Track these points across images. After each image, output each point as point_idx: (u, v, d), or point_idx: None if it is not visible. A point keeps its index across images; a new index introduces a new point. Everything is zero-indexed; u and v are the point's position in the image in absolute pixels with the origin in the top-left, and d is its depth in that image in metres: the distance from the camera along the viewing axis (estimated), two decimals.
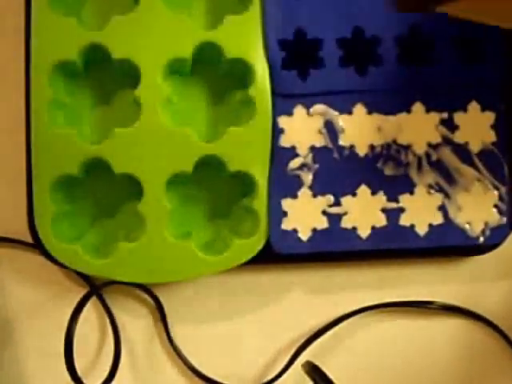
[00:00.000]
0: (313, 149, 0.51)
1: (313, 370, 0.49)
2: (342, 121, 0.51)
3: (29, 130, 0.50)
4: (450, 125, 0.51)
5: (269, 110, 0.51)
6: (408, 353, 0.53)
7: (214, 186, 0.53)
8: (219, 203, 0.53)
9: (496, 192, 0.51)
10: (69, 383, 0.50)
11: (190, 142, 0.50)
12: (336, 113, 0.51)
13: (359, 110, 0.51)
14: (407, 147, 0.51)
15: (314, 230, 0.51)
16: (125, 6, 0.51)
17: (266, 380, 0.52)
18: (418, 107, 0.51)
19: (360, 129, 0.51)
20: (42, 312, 0.53)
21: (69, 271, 0.52)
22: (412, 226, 0.51)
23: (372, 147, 0.51)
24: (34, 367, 0.53)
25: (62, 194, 0.51)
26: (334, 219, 0.51)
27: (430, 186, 0.51)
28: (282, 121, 0.51)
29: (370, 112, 0.51)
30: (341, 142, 0.51)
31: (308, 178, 0.51)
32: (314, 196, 0.51)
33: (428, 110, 0.51)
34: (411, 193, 0.51)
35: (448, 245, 0.51)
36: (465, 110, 0.51)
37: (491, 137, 0.51)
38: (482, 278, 0.54)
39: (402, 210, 0.51)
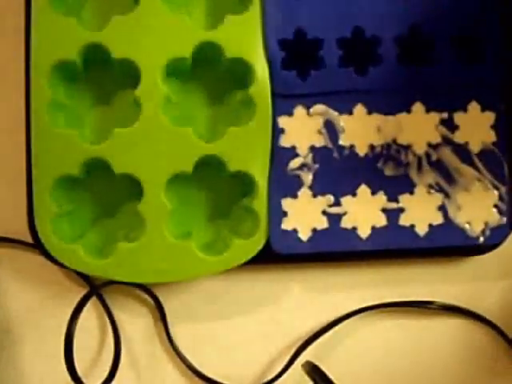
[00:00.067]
0: (313, 149, 0.51)
1: (313, 370, 0.49)
2: (342, 121, 0.51)
3: (29, 130, 0.50)
4: (450, 125, 0.51)
5: (269, 110, 0.51)
6: (408, 353, 0.53)
7: (214, 186, 0.53)
8: (219, 203, 0.53)
9: (496, 192, 0.51)
10: (69, 383, 0.50)
11: (190, 142, 0.50)
12: (336, 113, 0.51)
13: (359, 110, 0.51)
14: (407, 147, 0.51)
15: (314, 230, 0.51)
16: (125, 6, 0.51)
17: (266, 380, 0.52)
18: (417, 107, 0.51)
19: (360, 129, 0.51)
20: (42, 312, 0.53)
21: (69, 271, 0.52)
22: (412, 226, 0.51)
23: (372, 147, 0.51)
24: (33, 367, 0.53)
25: (62, 194, 0.51)
26: (334, 219, 0.51)
27: (430, 186, 0.51)
28: (282, 121, 0.51)
29: (369, 112, 0.51)
30: (341, 142, 0.51)
31: (308, 178, 0.51)
32: (314, 196, 0.51)
33: (428, 110, 0.51)
34: (411, 193, 0.51)
35: (448, 245, 0.51)
36: (465, 110, 0.51)
37: (491, 137, 0.51)
38: (482, 278, 0.54)
39: (401, 210, 0.51)
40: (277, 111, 0.51)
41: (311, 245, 0.51)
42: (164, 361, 0.53)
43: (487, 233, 0.51)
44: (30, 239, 0.51)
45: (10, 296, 0.53)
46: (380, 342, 0.53)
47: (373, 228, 0.51)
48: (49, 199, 0.50)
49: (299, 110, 0.51)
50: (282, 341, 0.53)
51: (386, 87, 0.51)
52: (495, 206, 0.51)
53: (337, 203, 0.51)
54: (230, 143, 0.50)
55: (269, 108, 0.51)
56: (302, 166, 0.51)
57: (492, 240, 0.51)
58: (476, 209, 0.51)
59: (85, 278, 0.52)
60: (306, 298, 0.53)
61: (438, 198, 0.51)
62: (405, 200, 0.51)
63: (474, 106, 0.51)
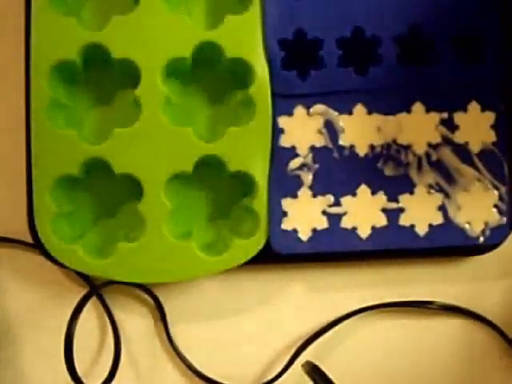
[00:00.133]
0: (313, 149, 0.51)
1: (313, 370, 0.49)
2: (342, 121, 0.51)
3: (29, 130, 0.50)
4: (450, 125, 0.51)
5: (269, 110, 0.51)
6: (408, 353, 0.53)
7: (214, 186, 0.53)
8: (219, 203, 0.53)
9: (496, 192, 0.51)
10: (69, 383, 0.50)
11: (190, 141, 0.50)
12: (336, 113, 0.51)
13: (359, 110, 0.51)
14: (407, 147, 0.51)
15: (314, 230, 0.51)
16: (125, 6, 0.51)
17: (266, 380, 0.52)
18: (417, 107, 0.51)
19: (360, 129, 0.51)
20: (42, 312, 0.53)
21: (69, 271, 0.52)
22: (412, 226, 0.51)
23: (372, 147, 0.51)
24: (33, 367, 0.53)
25: (62, 194, 0.51)
26: (334, 219, 0.51)
27: (430, 186, 0.51)
28: (282, 121, 0.51)
29: (369, 112, 0.51)
30: (341, 142, 0.51)
31: (308, 178, 0.51)
32: (314, 196, 0.51)
33: (428, 110, 0.51)
34: (411, 193, 0.51)
35: (448, 245, 0.51)
36: (465, 110, 0.51)
37: (491, 137, 0.51)
38: (482, 278, 0.54)
39: (401, 210, 0.51)
40: (277, 111, 0.51)
41: (311, 245, 0.51)
42: (164, 361, 0.53)
43: (487, 233, 0.51)
44: (30, 239, 0.51)
45: (10, 296, 0.53)
46: (380, 341, 0.53)
47: (373, 228, 0.51)
48: (49, 199, 0.50)
49: (299, 110, 0.51)
50: (281, 341, 0.53)
51: (386, 87, 0.51)
52: (495, 205, 0.51)
53: (337, 203, 0.51)
54: (229, 143, 0.50)
55: (269, 108, 0.51)
56: (302, 166, 0.51)
57: (492, 240, 0.51)
58: (476, 209, 0.51)
59: (85, 278, 0.52)
60: (306, 298, 0.53)
61: (438, 198, 0.51)
62: (405, 200, 0.51)
63: (473, 106, 0.51)
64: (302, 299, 0.53)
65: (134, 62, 0.50)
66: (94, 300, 0.53)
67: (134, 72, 0.50)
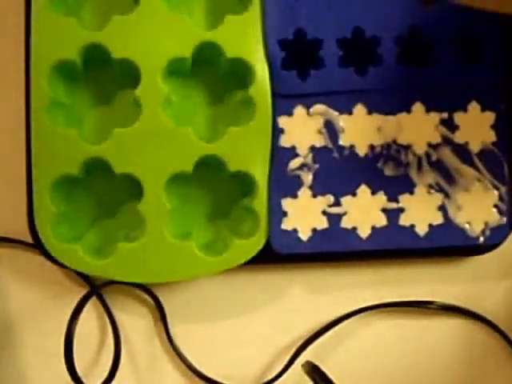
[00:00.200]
0: (313, 149, 0.51)
1: (313, 370, 0.49)
2: (342, 121, 0.51)
3: (29, 130, 0.50)
4: (450, 125, 0.51)
5: (269, 110, 0.51)
6: (408, 353, 0.53)
7: (214, 186, 0.53)
8: (219, 203, 0.53)
9: (496, 192, 0.51)
10: (69, 383, 0.50)
11: (190, 142, 0.50)
12: (336, 113, 0.51)
13: (359, 110, 0.51)
14: (407, 147, 0.51)
15: (314, 230, 0.51)
16: (125, 6, 0.51)
17: (266, 380, 0.52)
18: (417, 107, 0.51)
19: (360, 129, 0.51)
20: (42, 312, 0.53)
21: (69, 271, 0.52)
22: (412, 226, 0.51)
23: (372, 147, 0.51)
24: (34, 367, 0.53)
25: (62, 194, 0.51)
26: (334, 219, 0.51)
27: (430, 186, 0.51)
28: (282, 121, 0.51)
29: (370, 112, 0.51)
30: (341, 142, 0.51)
31: (308, 178, 0.51)
32: (314, 196, 0.51)
33: (428, 110, 0.51)
34: (411, 193, 0.51)
35: (448, 245, 0.51)
36: (465, 110, 0.51)
37: (491, 137, 0.51)
38: (482, 278, 0.54)
39: (401, 210, 0.51)
40: (277, 111, 0.51)
41: (311, 245, 0.51)
42: (164, 361, 0.53)
43: (487, 233, 0.51)
44: (30, 239, 0.51)
45: (10, 296, 0.53)
46: (380, 341, 0.53)
47: (373, 228, 0.51)
48: (49, 199, 0.50)
49: (299, 110, 0.51)
50: (281, 341, 0.53)
51: (386, 87, 0.51)
52: (495, 205, 0.51)
53: (337, 203, 0.51)
54: (230, 143, 0.50)
55: (269, 108, 0.51)
56: (302, 166, 0.51)
57: (492, 240, 0.51)
58: (476, 209, 0.51)
59: (85, 278, 0.52)
60: (306, 298, 0.53)
61: (438, 198, 0.51)
62: (405, 200, 0.51)
63: (473, 106, 0.51)
64: (302, 299, 0.53)
65: (133, 62, 0.50)
66: (94, 300, 0.53)
67: (134, 72, 0.50)
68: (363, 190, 0.51)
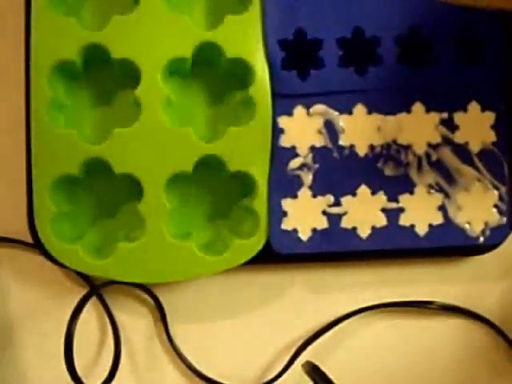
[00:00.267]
0: (313, 149, 0.51)
1: (313, 370, 0.49)
2: (342, 121, 0.51)
3: (29, 130, 0.50)
4: (450, 125, 0.51)
5: (269, 110, 0.51)
6: (408, 353, 0.53)
7: (214, 186, 0.53)
8: (219, 203, 0.53)
9: (496, 192, 0.51)
10: (69, 383, 0.50)
11: (190, 141, 0.50)
12: (336, 113, 0.51)
13: (359, 110, 0.51)
14: (407, 147, 0.51)
15: (314, 230, 0.51)
16: (125, 6, 0.51)
17: (266, 380, 0.52)
18: (417, 107, 0.51)
19: (360, 129, 0.51)
20: (42, 312, 0.53)
21: (69, 271, 0.52)
22: (412, 226, 0.51)
23: (372, 147, 0.51)
24: (34, 367, 0.53)
25: (62, 194, 0.51)
26: (334, 219, 0.51)
27: (430, 186, 0.51)
28: (282, 121, 0.51)
29: (370, 112, 0.51)
30: (341, 142, 0.51)
31: (308, 178, 0.51)
32: (314, 196, 0.51)
33: (428, 110, 0.51)
34: (411, 193, 0.51)
35: (448, 245, 0.51)
36: (465, 110, 0.51)
37: (491, 137, 0.51)
38: (482, 278, 0.54)
39: (401, 210, 0.51)
40: (277, 111, 0.51)
41: (311, 245, 0.51)
42: (164, 361, 0.53)
43: (487, 233, 0.51)
44: (30, 239, 0.51)
45: (10, 296, 0.53)
46: (380, 341, 0.53)
47: (373, 228, 0.51)
48: (49, 199, 0.50)
49: (299, 110, 0.51)
50: (282, 341, 0.53)
51: (386, 87, 0.51)
52: (495, 205, 0.51)
53: (337, 203, 0.51)
54: (230, 143, 0.50)
55: (269, 108, 0.51)
56: (302, 166, 0.51)
57: (492, 240, 0.51)
58: (476, 209, 0.51)
59: (85, 278, 0.52)
60: (306, 298, 0.53)
61: (438, 198, 0.51)
62: (405, 200, 0.51)
63: (473, 106, 0.51)
64: (302, 299, 0.53)
65: (133, 62, 0.50)
66: (94, 300, 0.53)
67: (134, 72, 0.50)
68: (363, 190, 0.51)
